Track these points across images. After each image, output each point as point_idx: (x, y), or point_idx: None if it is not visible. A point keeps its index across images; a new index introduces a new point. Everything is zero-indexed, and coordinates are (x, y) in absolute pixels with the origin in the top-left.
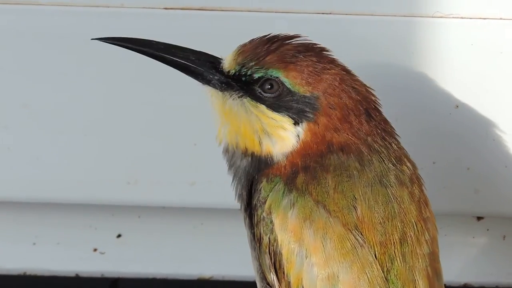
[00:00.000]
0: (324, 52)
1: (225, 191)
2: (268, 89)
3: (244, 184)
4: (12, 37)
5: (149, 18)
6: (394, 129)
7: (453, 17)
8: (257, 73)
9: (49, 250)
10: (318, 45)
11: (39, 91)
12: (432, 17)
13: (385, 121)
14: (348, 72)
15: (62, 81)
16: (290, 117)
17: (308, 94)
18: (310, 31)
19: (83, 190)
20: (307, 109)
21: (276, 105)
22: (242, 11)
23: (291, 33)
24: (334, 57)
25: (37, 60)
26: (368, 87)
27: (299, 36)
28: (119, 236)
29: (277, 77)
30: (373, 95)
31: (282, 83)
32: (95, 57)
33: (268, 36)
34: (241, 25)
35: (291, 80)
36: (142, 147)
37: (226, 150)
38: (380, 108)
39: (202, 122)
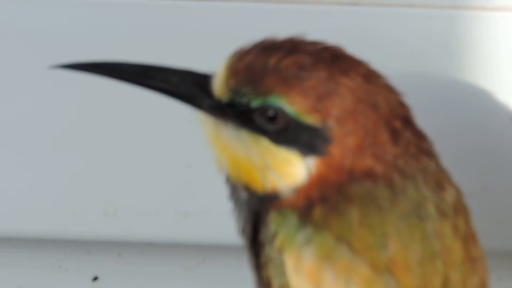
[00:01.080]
0: (336, 60)
1: (225, 224)
2: (270, 119)
3: (249, 216)
4: None
5: (139, 9)
6: (432, 146)
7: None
8: (255, 102)
9: None
10: (328, 49)
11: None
12: (482, 10)
13: (420, 137)
14: (368, 80)
15: (27, 91)
16: (298, 151)
17: (317, 124)
18: (331, 26)
19: (50, 222)
20: (318, 141)
21: (281, 138)
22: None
23: (290, 36)
24: (351, 59)
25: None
26: (396, 94)
27: (302, 41)
28: (95, 279)
29: (279, 107)
30: (403, 105)
31: (286, 114)
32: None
33: (263, 44)
34: (239, 16)
35: (296, 108)
36: (123, 169)
37: (226, 180)
38: (412, 121)
39: (198, 138)
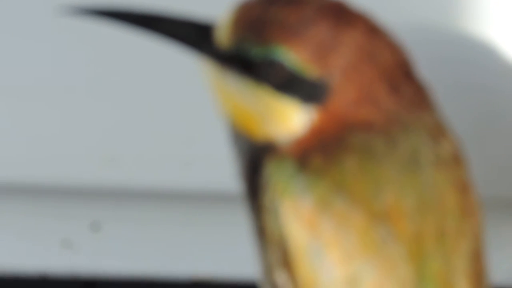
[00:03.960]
0: (339, 13)
1: (226, 173)
2: (273, 69)
3: (248, 163)
4: None
5: None
6: (432, 97)
7: None
8: (257, 51)
9: (9, 244)
10: (332, 2)
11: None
12: None
13: (420, 89)
14: (372, 32)
15: (33, 38)
16: (298, 100)
17: (318, 75)
18: None
19: (48, 170)
20: (319, 91)
21: (282, 86)
22: None
23: None
24: (353, 13)
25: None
26: (399, 48)
27: None
28: (94, 227)
29: (281, 58)
30: (405, 59)
31: (286, 66)
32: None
33: None
34: None
35: (297, 57)
36: (122, 116)
37: (227, 129)
38: (413, 75)
39: (200, 84)
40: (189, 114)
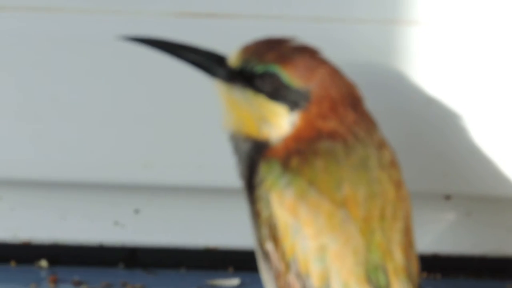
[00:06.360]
0: (317, 53)
1: (230, 173)
2: (268, 82)
3: (246, 166)
4: (43, 42)
5: (162, 25)
6: (375, 120)
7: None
8: (258, 69)
9: (78, 224)
10: (312, 47)
11: (66, 87)
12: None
13: (368, 113)
14: (337, 70)
15: (85, 80)
16: (286, 106)
17: (302, 87)
18: (308, 37)
19: (106, 172)
20: (301, 100)
21: (274, 96)
22: (245, 17)
23: (289, 36)
24: (325, 57)
25: (60, 62)
26: (353, 83)
27: (295, 39)
28: (135, 211)
29: (275, 72)
30: (358, 90)
31: (280, 78)
32: (107, 59)
33: (269, 38)
34: (243, 31)
35: (288, 75)
36: (153, 132)
37: (231, 136)
38: (363, 102)
39: (210, 113)
40: (202, 130)
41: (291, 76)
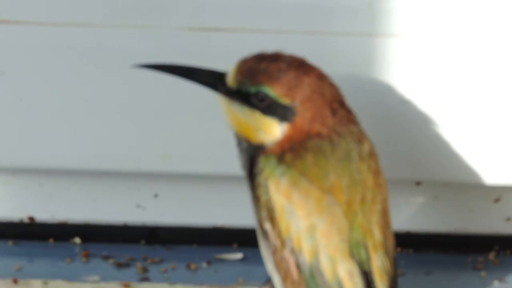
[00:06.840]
0: (301, 66)
1: (235, 164)
2: (261, 100)
3: (247, 158)
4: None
5: (172, 38)
6: (356, 117)
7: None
8: (252, 89)
9: (106, 206)
10: (297, 59)
11: (96, 91)
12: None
13: (349, 112)
14: (320, 77)
15: (112, 85)
16: (276, 119)
17: (288, 103)
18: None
19: (133, 162)
20: (288, 114)
21: (267, 111)
22: (245, 32)
23: (277, 51)
24: (310, 66)
25: (91, 70)
26: (336, 87)
27: (281, 54)
28: (155, 195)
29: (266, 93)
30: (339, 93)
31: (270, 96)
32: (130, 68)
33: (259, 56)
34: (244, 42)
35: (276, 93)
36: (173, 129)
37: (235, 136)
38: (344, 103)
39: (219, 113)
40: (211, 127)
41: (279, 94)
